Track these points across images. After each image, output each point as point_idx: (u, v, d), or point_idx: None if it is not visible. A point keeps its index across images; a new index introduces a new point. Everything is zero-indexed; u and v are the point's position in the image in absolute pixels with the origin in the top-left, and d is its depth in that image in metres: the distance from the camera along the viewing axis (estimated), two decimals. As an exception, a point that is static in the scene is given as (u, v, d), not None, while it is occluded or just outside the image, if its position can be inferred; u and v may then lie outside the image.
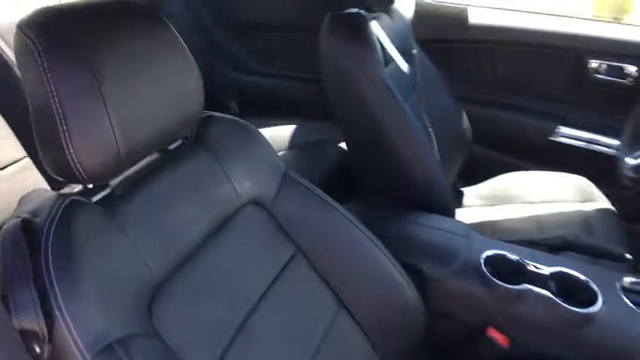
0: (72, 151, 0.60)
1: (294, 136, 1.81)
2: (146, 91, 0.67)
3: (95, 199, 0.69)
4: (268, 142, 0.93)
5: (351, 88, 1.18)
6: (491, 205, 1.52)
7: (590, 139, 1.67)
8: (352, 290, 0.89)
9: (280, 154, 1.69)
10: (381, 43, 1.22)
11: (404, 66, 1.26)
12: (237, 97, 2.18)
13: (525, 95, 1.77)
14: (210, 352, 0.69)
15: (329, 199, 0.92)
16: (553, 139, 1.71)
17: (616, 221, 1.40)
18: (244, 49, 2.15)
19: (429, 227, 1.10)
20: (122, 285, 0.62)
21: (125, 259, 0.65)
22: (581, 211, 1.41)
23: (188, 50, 0.75)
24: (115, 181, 0.72)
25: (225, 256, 0.78)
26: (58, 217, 0.61)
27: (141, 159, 0.73)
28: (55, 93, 0.59)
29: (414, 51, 1.47)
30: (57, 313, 0.56)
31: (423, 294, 0.95)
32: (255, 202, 0.87)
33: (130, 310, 0.62)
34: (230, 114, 0.91)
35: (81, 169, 0.62)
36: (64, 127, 0.59)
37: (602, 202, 1.46)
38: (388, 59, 1.26)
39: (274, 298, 0.80)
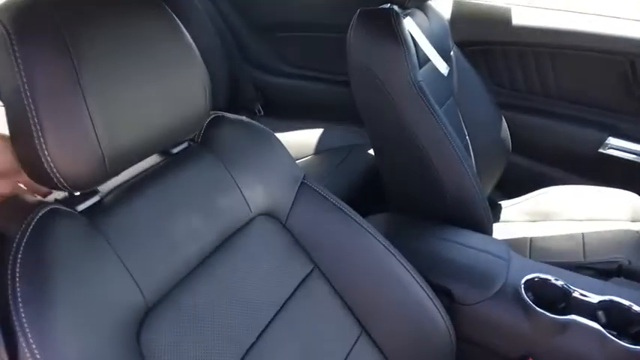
0: (46, 153, 0.52)
1: (320, 140, 1.74)
2: (138, 86, 0.58)
3: (80, 207, 0.61)
4: (284, 147, 0.84)
5: (380, 91, 1.09)
6: (531, 222, 1.41)
7: (642, 151, 1.54)
8: (375, 314, 0.80)
9: (305, 159, 1.62)
10: (415, 42, 1.13)
11: (442, 67, 1.16)
12: (262, 99, 2.11)
13: (571, 102, 1.64)
14: None
15: (351, 212, 0.83)
16: (601, 150, 1.58)
17: (670, 243, 1.27)
18: (270, 50, 2.07)
19: (462, 245, 0.99)
20: (105, 309, 0.54)
21: (111, 278, 0.56)
22: (631, 231, 1.29)
23: (192, 41, 0.66)
24: (105, 188, 0.64)
25: (231, 275, 0.69)
26: (31, 227, 0.53)
27: (134, 163, 0.64)
28: (27, 86, 0.51)
29: (452, 52, 1.37)
30: (21, 339, 0.48)
31: (453, 320, 0.85)
32: (268, 214, 0.78)
33: (114, 338, 0.53)
34: (255, 116, 0.83)
35: (58, 175, 0.53)
36: (37, 127, 0.51)
37: (655, 222, 1.34)
38: (422, 60, 1.16)
39: (286, 322, 0.71)
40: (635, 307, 0.85)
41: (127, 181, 0.67)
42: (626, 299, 0.86)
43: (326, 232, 0.81)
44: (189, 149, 0.75)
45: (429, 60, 1.19)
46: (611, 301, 0.87)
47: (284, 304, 0.73)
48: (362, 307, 0.80)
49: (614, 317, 0.86)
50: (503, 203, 1.53)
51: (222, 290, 0.67)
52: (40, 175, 0.54)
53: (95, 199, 0.62)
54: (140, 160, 0.65)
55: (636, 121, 1.56)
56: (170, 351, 0.58)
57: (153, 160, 0.72)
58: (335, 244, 0.80)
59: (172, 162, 0.72)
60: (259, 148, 0.80)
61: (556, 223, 1.38)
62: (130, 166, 0.64)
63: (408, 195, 1.20)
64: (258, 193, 0.77)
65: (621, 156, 1.57)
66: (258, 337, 0.67)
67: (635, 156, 1.54)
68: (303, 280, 0.77)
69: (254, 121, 0.84)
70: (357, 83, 1.15)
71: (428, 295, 0.82)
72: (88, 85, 0.53)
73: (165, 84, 0.61)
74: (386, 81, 1.07)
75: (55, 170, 0.53)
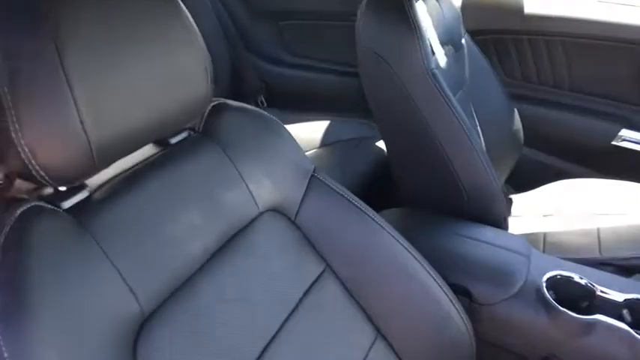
0: (23, 142, 0.46)
1: (327, 133, 1.69)
2: (131, 68, 0.52)
3: (66, 204, 0.54)
4: (293, 138, 0.79)
5: (391, 81, 1.04)
6: (545, 216, 1.36)
7: (657, 144, 1.50)
8: (391, 317, 0.75)
9: (311, 152, 1.58)
10: (423, 27, 1.08)
11: (441, 59, 1.11)
12: (266, 89, 2.06)
13: (584, 93, 1.60)
14: None
15: (365, 208, 0.78)
16: (614, 143, 1.54)
17: (688, 238, 1.23)
18: (274, 39, 2.01)
19: (481, 242, 0.95)
20: (95, 321, 0.48)
21: (102, 285, 0.50)
22: (648, 225, 1.25)
23: (192, 19, 0.60)
24: (94, 182, 0.58)
25: (237, 278, 0.63)
26: (9, 227, 0.48)
27: (126, 154, 0.58)
28: (1, 69, 0.45)
29: (463, 41, 1.33)
30: None
31: (472, 321, 0.81)
32: (276, 210, 0.73)
33: (107, 353, 0.48)
34: (258, 107, 0.78)
35: (38, 167, 0.48)
36: (12, 111, 0.45)
37: (671, 216, 1.30)
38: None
39: (298, 326, 0.66)
40: (663, 306, 0.82)
41: (120, 174, 0.61)
42: None
43: (338, 228, 0.76)
44: (189, 139, 0.70)
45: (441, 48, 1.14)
46: (637, 299, 0.83)
47: (294, 308, 0.68)
48: (377, 309, 0.75)
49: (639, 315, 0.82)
50: (515, 197, 1.49)
51: (228, 295, 0.61)
52: (18, 169, 0.49)
53: (83, 194, 0.56)
54: (133, 151, 0.59)
55: (649, 112, 1.52)
56: (173, 357, 0.53)
57: (148, 150, 0.67)
58: (348, 241, 0.76)
59: (170, 153, 0.66)
60: (266, 138, 0.75)
61: (569, 217, 1.34)
62: (121, 158, 0.58)
63: (422, 189, 1.15)
64: (265, 187, 0.71)
65: (635, 148, 1.53)
66: (266, 346, 0.62)
67: (648, 147, 1.51)
68: (315, 282, 0.72)
69: (260, 109, 0.78)
70: (367, 72, 1.10)
71: (447, 295, 0.78)
72: (72, 67, 0.47)
73: (161, 65, 0.56)
74: (398, 69, 1.02)
75: (33, 162, 0.47)
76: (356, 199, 0.78)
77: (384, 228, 0.77)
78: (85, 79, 0.48)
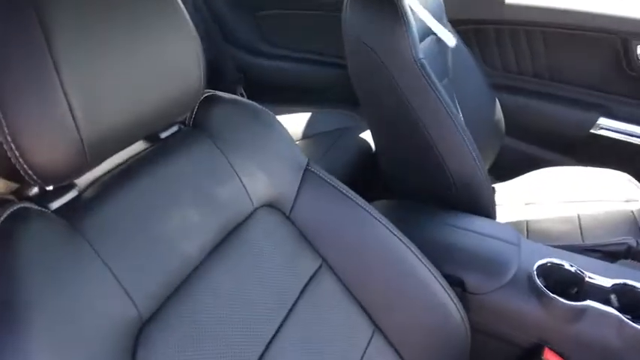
0: (9, 139, 0.43)
1: (309, 125, 1.67)
2: (123, 57, 0.50)
3: (54, 205, 0.52)
4: (286, 130, 0.77)
5: (379, 70, 1.03)
6: (527, 204, 1.39)
7: (634, 132, 1.53)
8: (388, 309, 0.75)
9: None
10: (410, 16, 1.07)
11: (450, 40, 1.10)
12: (245, 82, 2.02)
13: (563, 83, 1.62)
14: None
15: (360, 200, 0.77)
16: (592, 131, 1.57)
17: (664, 223, 1.27)
18: (253, 29, 1.98)
19: (472, 232, 0.96)
20: (93, 327, 0.46)
21: (97, 289, 0.48)
22: (626, 210, 1.29)
23: (184, 9, 0.58)
24: (82, 181, 0.55)
25: (234, 276, 0.61)
26: None
27: (118, 150, 0.55)
28: None
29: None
30: None
31: (466, 310, 0.82)
32: (271, 206, 0.71)
33: (105, 356, 0.46)
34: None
35: (25, 166, 0.45)
36: None
37: (647, 201, 1.33)
38: (421, 36, 1.11)
39: (297, 323, 0.65)
40: (649, 290, 0.84)
41: (109, 171, 0.58)
42: (637, 281, 0.85)
43: (334, 222, 0.75)
44: (179, 133, 0.67)
45: (425, 37, 1.14)
46: (624, 284, 0.85)
47: (292, 306, 0.66)
48: (374, 302, 0.75)
49: (627, 300, 0.84)
50: (497, 186, 1.51)
51: (225, 296, 0.59)
52: (3, 167, 0.45)
53: (72, 194, 0.54)
54: (126, 147, 0.57)
55: (627, 101, 1.55)
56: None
57: (138, 146, 0.64)
58: (344, 235, 0.75)
59: (161, 148, 0.64)
60: (259, 130, 0.73)
61: (550, 205, 1.36)
62: (113, 154, 0.55)
63: (410, 179, 1.15)
64: (259, 182, 0.70)
65: (612, 136, 1.56)
66: (267, 346, 0.61)
67: (626, 136, 1.54)
68: (312, 277, 0.71)
69: (251, 101, 0.76)
70: (354, 62, 1.09)
71: (443, 287, 0.78)
72: (61, 56, 0.44)
73: (154, 57, 0.53)
74: (386, 59, 1.01)
75: (21, 160, 0.44)
76: (350, 191, 0.77)
77: (379, 220, 0.77)
78: (76, 72, 0.46)
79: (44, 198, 0.52)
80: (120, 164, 0.60)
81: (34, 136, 0.44)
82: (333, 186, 0.76)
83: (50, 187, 0.52)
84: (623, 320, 0.79)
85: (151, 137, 0.66)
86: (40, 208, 0.50)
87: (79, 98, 0.46)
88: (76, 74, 0.46)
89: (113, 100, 0.49)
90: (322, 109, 1.74)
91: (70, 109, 0.45)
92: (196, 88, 0.61)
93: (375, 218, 0.77)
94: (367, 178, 1.38)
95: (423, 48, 1.13)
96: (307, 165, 0.77)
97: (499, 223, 1.01)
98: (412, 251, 0.77)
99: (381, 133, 1.18)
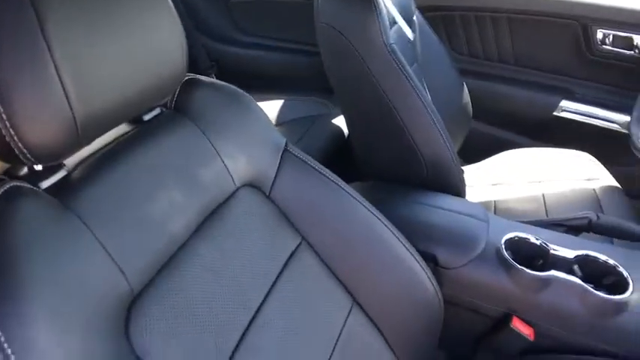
0: (4, 117, 0.44)
1: (281, 112, 1.69)
2: (110, 41, 0.51)
3: (45, 184, 0.53)
4: (264, 113, 0.79)
5: (351, 56, 1.06)
6: (494, 185, 1.43)
7: (595, 114, 1.60)
8: (365, 283, 0.78)
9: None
10: (380, 2, 1.09)
11: (408, 32, 1.14)
12: (217, 70, 2.02)
13: (527, 67, 1.68)
14: None
15: (337, 180, 0.80)
16: (556, 114, 1.63)
17: (623, 199, 1.33)
18: (224, 17, 1.97)
19: (442, 209, 1.00)
20: (87, 300, 0.47)
21: (90, 263, 0.50)
22: (588, 188, 1.35)
23: None
24: (71, 161, 0.57)
25: (218, 253, 0.64)
26: None
27: (108, 129, 0.57)
28: None
29: (414, 17, 1.36)
30: None
31: (439, 284, 0.86)
32: (252, 185, 0.73)
33: (100, 333, 0.47)
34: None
35: (21, 145, 0.46)
36: None
37: (608, 179, 1.40)
38: (392, 21, 1.14)
39: (279, 300, 0.68)
40: (610, 260, 0.89)
41: (96, 152, 0.60)
42: (599, 253, 0.90)
43: (312, 201, 0.77)
44: (161, 116, 0.69)
45: (395, 22, 1.17)
46: (586, 255, 0.90)
47: (274, 281, 0.69)
48: (352, 277, 0.78)
49: (589, 270, 0.89)
50: (465, 169, 1.55)
51: (210, 272, 0.62)
52: None
53: (61, 174, 0.55)
54: (114, 127, 0.58)
55: (588, 84, 1.62)
56: (163, 340, 0.53)
57: (122, 128, 0.65)
58: (322, 214, 0.77)
59: (145, 130, 0.65)
60: (239, 113, 0.75)
61: (516, 185, 1.41)
62: (103, 134, 0.57)
63: (383, 162, 1.18)
64: (240, 162, 0.72)
65: (574, 118, 1.62)
66: (252, 320, 0.63)
67: (587, 117, 1.61)
68: (292, 255, 0.73)
69: (230, 85, 0.78)
70: (327, 49, 1.11)
71: (418, 262, 0.81)
72: (53, 37, 0.45)
73: (141, 39, 0.55)
74: (357, 44, 1.03)
75: (16, 138, 0.45)
76: (328, 171, 0.79)
77: (356, 199, 0.79)
78: (68, 53, 0.47)
79: (34, 178, 0.53)
80: (106, 145, 0.61)
81: (28, 115, 0.45)
82: (311, 166, 0.79)
83: (40, 167, 0.53)
84: (585, 288, 0.84)
85: (134, 120, 0.67)
86: (31, 186, 0.51)
87: (71, 78, 0.47)
88: (68, 54, 0.47)
89: (103, 80, 0.51)
90: (295, 97, 1.75)
91: (63, 88, 0.46)
92: (179, 72, 0.63)
93: (353, 197, 0.79)
94: (341, 163, 1.41)
95: (393, 34, 1.16)
96: (286, 146, 0.79)
97: (468, 201, 1.05)
98: (389, 228, 0.80)
99: (353, 118, 1.20)
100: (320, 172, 0.79)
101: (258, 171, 0.74)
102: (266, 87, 1.83)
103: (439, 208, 0.99)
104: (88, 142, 0.54)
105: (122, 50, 0.52)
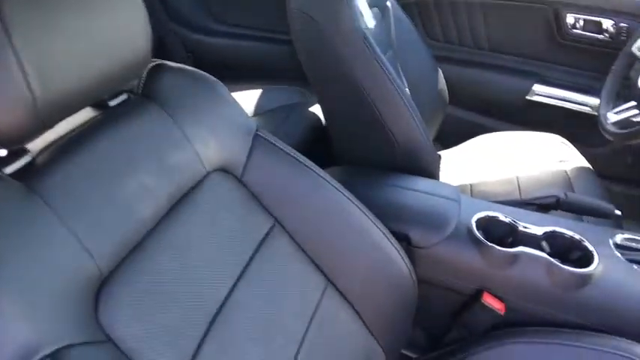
0: None
1: (259, 102, 1.69)
2: (72, 23, 0.51)
3: (9, 170, 0.53)
4: (233, 97, 0.80)
5: (323, 42, 1.06)
6: (470, 168, 1.46)
7: (567, 97, 1.63)
8: (339, 264, 0.79)
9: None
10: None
11: (369, 19, 1.15)
12: (192, 61, 2.01)
13: (502, 53, 1.71)
14: (180, 352, 0.56)
15: (308, 163, 0.81)
16: (529, 98, 1.67)
17: (594, 179, 1.37)
18: (198, 6, 1.96)
19: (415, 191, 1.02)
20: (55, 281, 0.48)
21: (58, 246, 0.50)
22: (560, 170, 1.38)
23: None
24: (36, 146, 0.57)
25: (189, 236, 0.64)
26: None
27: (70, 113, 0.57)
28: None
29: (388, 3, 1.37)
30: None
31: (413, 264, 0.88)
32: (223, 170, 0.74)
33: (68, 313, 0.48)
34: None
35: None
36: None
37: (580, 161, 1.43)
38: (370, 4, 1.15)
39: (251, 282, 0.68)
40: (575, 235, 0.92)
41: (61, 138, 0.59)
42: (566, 229, 0.93)
43: (284, 184, 0.78)
44: (129, 101, 0.69)
45: (372, 7, 1.18)
46: (553, 231, 0.93)
47: (247, 264, 0.70)
48: (326, 259, 0.79)
49: (557, 246, 0.92)
50: (442, 153, 1.58)
51: (181, 254, 0.62)
52: None
53: (26, 159, 0.55)
54: (77, 110, 0.58)
55: (559, 68, 1.65)
56: (132, 321, 0.54)
57: (88, 114, 0.65)
58: (293, 195, 0.78)
59: (111, 116, 0.65)
60: (208, 97, 0.75)
61: (491, 168, 1.44)
62: (65, 117, 0.56)
63: (358, 147, 1.20)
64: (210, 147, 0.72)
65: (547, 102, 1.66)
66: (223, 302, 0.64)
67: (558, 101, 1.64)
68: (265, 237, 0.74)
69: (199, 70, 0.78)
70: (299, 35, 1.12)
71: (390, 242, 0.83)
72: (10, 18, 0.45)
73: (103, 22, 0.55)
74: (329, 30, 1.04)
75: None
76: (299, 154, 0.80)
77: (328, 182, 0.81)
78: (26, 35, 0.46)
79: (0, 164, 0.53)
80: (71, 131, 0.61)
81: None
82: (282, 150, 0.79)
83: (4, 153, 0.53)
84: (552, 263, 0.87)
85: (100, 105, 0.67)
86: None
87: (30, 60, 0.47)
88: (27, 37, 0.47)
89: (63, 63, 0.50)
90: (272, 86, 1.76)
91: (22, 71, 0.46)
92: (143, 56, 0.63)
93: (325, 179, 0.81)
94: (319, 150, 1.42)
95: (368, 19, 1.17)
96: (257, 130, 0.79)
97: (440, 183, 1.07)
98: (360, 210, 0.82)
99: (328, 105, 1.21)
100: (291, 156, 0.79)
101: (230, 155, 0.75)
102: (244, 77, 1.83)
103: (411, 190, 1.02)
104: (51, 125, 0.54)
105: (82, 34, 0.52)
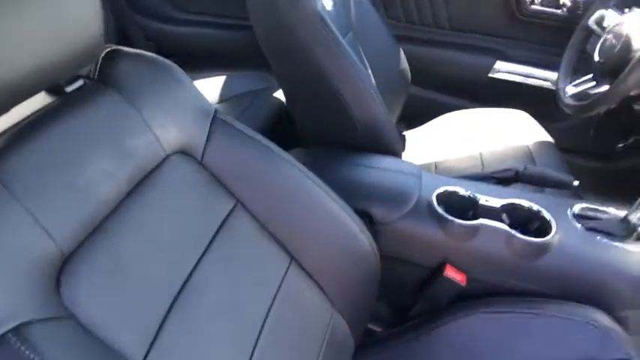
0: None
1: (222, 89, 1.67)
2: (17, 8, 0.50)
3: None
4: (191, 81, 0.79)
5: (282, 25, 1.06)
6: (435, 147, 1.48)
7: (528, 73, 1.66)
8: (301, 241, 0.80)
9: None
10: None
11: (328, 4, 1.15)
12: (155, 50, 1.97)
13: (463, 31, 1.72)
14: (143, 329, 0.57)
15: (267, 142, 0.81)
16: (491, 75, 1.69)
17: (556, 153, 1.40)
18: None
19: (376, 169, 1.03)
20: (14, 262, 0.49)
21: (16, 229, 0.50)
22: (523, 144, 1.41)
23: None
24: None
25: (150, 217, 0.65)
26: None
27: (20, 99, 0.56)
28: None
29: (347, -16, 1.37)
30: None
31: (375, 240, 0.89)
32: (183, 152, 0.74)
33: (30, 291, 0.48)
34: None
35: None
36: None
37: (542, 135, 1.46)
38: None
39: (213, 262, 0.69)
40: (533, 206, 0.94)
41: (16, 124, 0.59)
42: (525, 201, 0.95)
43: (244, 165, 0.78)
44: (85, 87, 0.68)
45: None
46: (512, 204, 0.95)
47: (209, 244, 0.70)
48: (289, 237, 0.80)
49: (517, 217, 0.94)
50: (407, 133, 1.59)
51: (142, 235, 0.63)
52: None
53: None
54: (30, 95, 0.57)
55: (520, 44, 1.67)
56: (95, 301, 0.54)
57: (44, 100, 0.65)
58: (255, 176, 0.78)
59: (67, 102, 0.64)
60: (165, 82, 0.74)
61: (456, 145, 1.46)
62: (19, 102, 0.56)
63: (320, 130, 1.20)
64: (169, 130, 0.71)
65: (509, 78, 1.68)
66: (185, 281, 0.64)
67: (520, 77, 1.67)
68: (227, 218, 0.74)
69: (155, 55, 0.77)
70: (257, 19, 1.11)
71: (351, 218, 0.83)
72: None
73: (50, 5, 0.54)
74: (287, 13, 1.03)
75: None
76: (257, 135, 0.80)
77: (288, 161, 0.81)
78: None
79: None
80: (27, 117, 0.61)
81: None
82: (241, 131, 0.79)
83: None
84: (510, 233, 0.89)
85: (56, 91, 0.66)
86: None
87: None
88: None
89: (10, 46, 0.50)
90: (234, 73, 1.74)
91: None
92: (96, 40, 0.62)
93: (285, 159, 0.81)
94: (284, 134, 1.41)
95: (325, 1, 1.17)
96: (215, 113, 0.79)
97: (400, 160, 1.09)
98: (321, 188, 0.82)
99: (290, 87, 1.21)
100: (251, 137, 0.79)
101: (189, 138, 0.74)
102: (207, 64, 1.80)
103: (371, 168, 1.02)
104: (3, 110, 0.53)
105: (30, 18, 0.51)
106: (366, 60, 1.34)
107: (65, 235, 0.54)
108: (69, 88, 0.66)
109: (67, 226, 0.55)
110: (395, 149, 1.14)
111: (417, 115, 1.66)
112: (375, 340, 0.96)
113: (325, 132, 1.19)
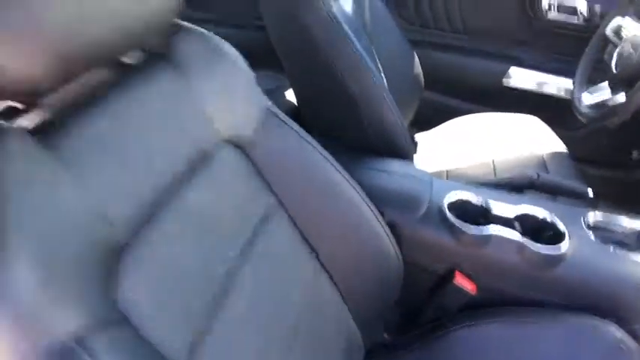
0: None
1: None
2: None
3: (24, 123, 0.50)
4: (250, 70, 0.78)
5: (295, 26, 1.05)
6: (446, 152, 1.47)
7: (542, 80, 1.64)
8: (330, 243, 0.80)
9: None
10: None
11: (346, 3, 1.14)
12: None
13: (478, 36, 1.71)
14: (189, 334, 0.53)
15: (315, 143, 0.81)
16: (505, 81, 1.67)
17: (569, 161, 1.38)
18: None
19: (388, 172, 1.02)
20: (73, 248, 0.44)
21: (75, 208, 0.46)
22: (535, 152, 1.39)
23: None
24: (51, 102, 0.53)
25: (201, 206, 0.62)
26: None
27: (86, 69, 0.54)
28: None
29: (362, -13, 1.36)
30: None
31: None
32: (233, 142, 0.72)
33: (88, 285, 0.44)
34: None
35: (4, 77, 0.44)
36: None
37: (555, 142, 1.44)
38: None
39: (252, 256, 0.67)
40: (547, 216, 0.92)
41: (79, 94, 0.56)
42: (538, 210, 0.93)
43: (289, 162, 0.77)
44: (147, 61, 0.66)
45: (341, -6, 1.17)
46: (525, 212, 0.94)
47: (249, 241, 0.68)
48: (318, 238, 0.79)
49: (529, 226, 0.93)
50: (418, 137, 1.58)
51: (194, 224, 0.60)
52: None
53: (42, 114, 0.52)
54: (93, 67, 0.55)
55: (535, 51, 1.66)
56: (146, 302, 0.51)
57: (104, 71, 0.62)
58: (296, 174, 0.78)
59: (129, 75, 0.62)
60: (226, 67, 0.72)
61: (468, 151, 1.45)
62: (83, 72, 0.54)
63: (332, 131, 1.19)
64: (224, 117, 0.69)
65: (523, 85, 1.67)
66: (226, 279, 0.62)
67: (534, 84, 1.65)
68: (266, 215, 0.73)
69: (217, 36, 0.75)
70: (271, 20, 1.11)
71: (381, 224, 0.83)
72: None
73: None
74: (300, 14, 1.03)
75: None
76: (306, 134, 0.80)
77: (331, 163, 0.81)
78: None
79: (11, 115, 0.50)
80: (87, 89, 0.58)
81: (9, 49, 0.43)
82: (291, 127, 0.79)
83: (19, 106, 0.50)
84: (523, 243, 0.87)
85: (118, 64, 0.64)
86: (12, 125, 0.48)
87: (52, 12, 0.45)
88: None
89: (79, 17, 0.49)
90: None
91: (41, 20, 0.44)
92: (168, 14, 0.61)
93: (328, 161, 0.81)
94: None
95: (341, 2, 1.16)
96: (269, 106, 0.78)
97: (412, 165, 1.08)
98: (356, 190, 0.82)
99: (301, 88, 1.20)
100: (299, 135, 0.79)
101: (242, 127, 0.73)
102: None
103: (383, 171, 1.02)
104: (68, 79, 0.52)
105: None
106: (379, 63, 1.33)
107: (123, 222, 0.51)
108: (131, 61, 0.64)
109: (125, 209, 0.52)
110: (406, 153, 1.13)
111: (429, 119, 1.64)
112: (384, 347, 0.96)
113: (336, 135, 1.18)
